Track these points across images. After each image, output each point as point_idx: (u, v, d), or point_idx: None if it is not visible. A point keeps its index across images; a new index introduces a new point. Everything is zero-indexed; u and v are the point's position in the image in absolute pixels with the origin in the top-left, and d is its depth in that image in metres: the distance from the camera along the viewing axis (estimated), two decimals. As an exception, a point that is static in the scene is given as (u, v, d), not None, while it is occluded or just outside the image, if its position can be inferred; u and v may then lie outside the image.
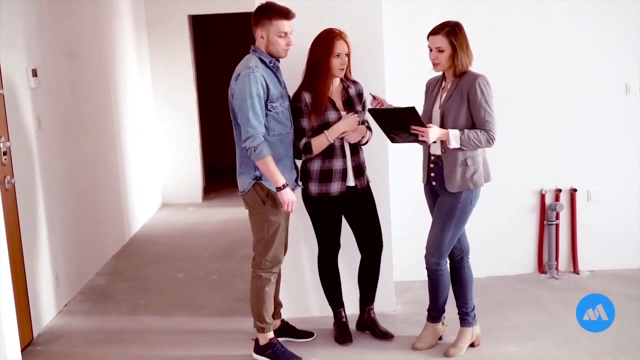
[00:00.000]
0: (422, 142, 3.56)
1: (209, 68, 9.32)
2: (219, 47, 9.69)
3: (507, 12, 4.75)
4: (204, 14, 7.85)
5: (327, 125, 3.67)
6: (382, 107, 3.59)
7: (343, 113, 3.71)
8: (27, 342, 4.03)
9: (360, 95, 3.82)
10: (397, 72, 4.22)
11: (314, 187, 3.77)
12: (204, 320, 4.42)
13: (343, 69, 3.67)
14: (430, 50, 3.54)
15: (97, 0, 5.96)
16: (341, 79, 3.77)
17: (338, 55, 3.63)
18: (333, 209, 3.82)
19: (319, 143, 3.67)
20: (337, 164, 3.73)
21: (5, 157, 3.86)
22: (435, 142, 3.53)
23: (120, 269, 5.56)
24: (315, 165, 3.74)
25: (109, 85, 6.13)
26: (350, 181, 3.78)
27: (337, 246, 3.94)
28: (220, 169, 9.41)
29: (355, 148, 3.78)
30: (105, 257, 5.71)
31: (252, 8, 4.11)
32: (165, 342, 4.12)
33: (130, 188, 6.56)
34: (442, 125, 3.55)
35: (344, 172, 3.74)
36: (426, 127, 3.45)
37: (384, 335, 3.98)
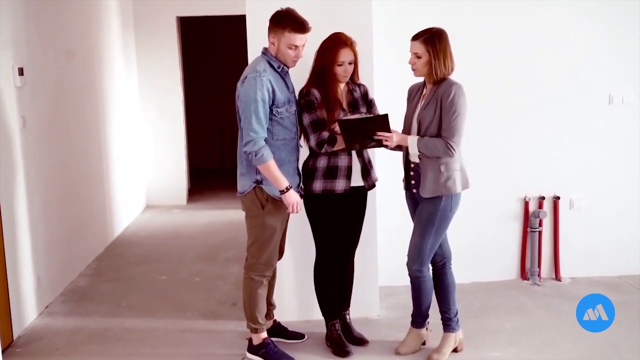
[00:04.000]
0: (385, 147, 3.60)
1: (196, 70, 9.31)
2: (207, 49, 9.70)
3: (493, 21, 4.79)
4: (192, 16, 7.83)
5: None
6: (353, 117, 3.59)
7: (364, 115, 3.67)
8: (7, 344, 3.99)
9: (365, 96, 3.81)
10: (386, 76, 4.24)
11: (318, 184, 3.71)
12: (187, 322, 4.40)
13: (347, 76, 3.66)
14: (411, 55, 3.57)
15: (85, 0, 5.93)
16: (348, 82, 3.76)
17: (341, 64, 3.61)
18: (335, 210, 3.76)
19: (341, 142, 3.64)
20: (342, 161, 3.69)
21: (-11, 156, 3.84)
22: (399, 146, 3.60)
23: (103, 270, 5.52)
24: (322, 162, 3.70)
25: (94, 85, 6.10)
26: (358, 181, 3.76)
27: (339, 254, 3.86)
28: (205, 171, 9.41)
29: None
30: (88, 259, 5.67)
31: (241, 11, 4.14)
32: (148, 342, 4.10)
33: (114, 189, 6.53)
34: (419, 132, 3.58)
35: (349, 169, 3.71)
36: (390, 132, 3.50)
37: (359, 341, 3.98)
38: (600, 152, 4.96)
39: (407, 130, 3.66)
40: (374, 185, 3.88)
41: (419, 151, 3.53)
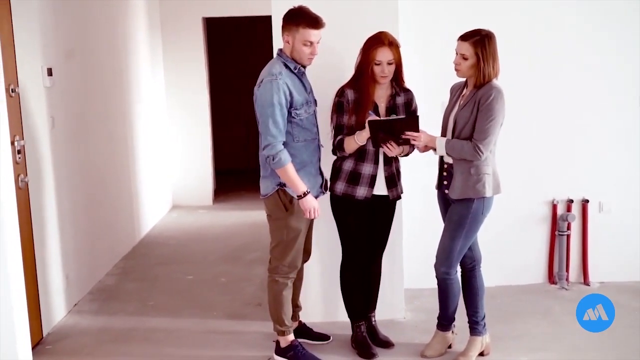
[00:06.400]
0: (412, 146, 3.60)
1: (221, 70, 9.35)
2: (233, 50, 9.74)
3: (521, 21, 4.74)
4: (218, 17, 7.87)
5: (364, 127, 3.57)
6: (383, 119, 3.59)
7: (397, 116, 3.66)
8: (37, 341, 4.04)
9: (408, 104, 3.75)
10: (411, 77, 4.22)
11: (340, 187, 3.72)
12: (212, 322, 4.43)
13: (385, 77, 3.59)
14: (457, 54, 3.53)
15: (112, 1, 5.99)
16: (392, 85, 3.72)
17: (379, 63, 3.57)
18: (357, 214, 3.75)
19: (349, 142, 3.62)
20: (366, 169, 3.68)
21: (19, 155, 3.88)
22: (426, 146, 3.59)
23: (130, 269, 5.57)
24: (347, 165, 3.70)
25: (122, 85, 6.15)
26: (382, 190, 3.73)
27: (361, 256, 3.86)
28: (231, 172, 9.45)
29: (391, 157, 3.70)
30: (115, 258, 5.72)
31: (267, 12, 4.14)
32: (173, 342, 4.13)
33: (141, 189, 6.58)
34: (453, 133, 3.55)
35: (373, 178, 3.68)
36: (419, 132, 3.49)
37: (384, 343, 3.96)
38: (630, 154, 4.88)
39: (444, 129, 3.64)
40: (399, 197, 3.83)
41: (446, 153, 3.51)
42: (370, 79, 3.60)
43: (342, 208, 3.78)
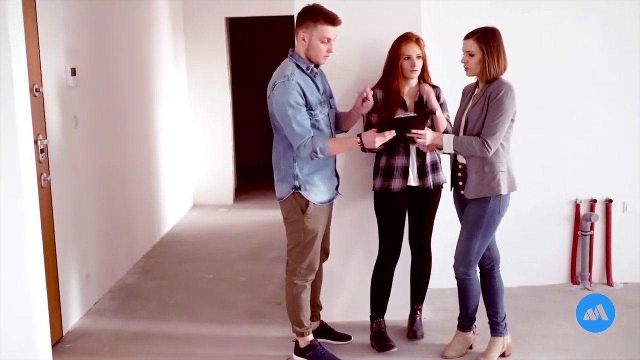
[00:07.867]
0: (414, 143, 3.60)
1: (244, 70, 9.38)
2: (255, 49, 9.77)
3: (540, 17, 4.70)
4: (241, 17, 7.89)
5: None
6: (396, 117, 3.58)
7: (410, 114, 3.71)
8: (57, 340, 4.08)
9: (436, 99, 3.81)
10: (435, 75, 4.20)
11: (378, 182, 3.84)
12: (232, 321, 4.43)
13: (414, 71, 3.71)
14: (464, 54, 3.53)
15: (135, 1, 6.03)
16: (420, 82, 3.80)
17: (408, 58, 3.67)
18: (394, 207, 3.83)
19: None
20: (398, 161, 3.77)
21: (42, 154, 3.92)
22: (429, 145, 3.57)
23: (150, 268, 5.60)
24: (382, 162, 3.82)
25: (144, 85, 6.19)
26: (413, 181, 3.79)
27: (396, 250, 3.91)
28: (252, 170, 9.48)
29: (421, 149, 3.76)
30: (136, 257, 5.76)
31: (289, 12, 4.14)
32: (193, 341, 4.14)
33: (163, 188, 6.62)
34: (465, 131, 3.53)
35: (405, 169, 3.77)
36: (424, 130, 3.49)
37: (412, 333, 4.00)
38: (655, 153, 4.81)
39: (456, 129, 3.63)
40: (429, 187, 3.83)
41: (454, 150, 3.49)
42: (400, 76, 3.71)
43: (380, 202, 3.88)
